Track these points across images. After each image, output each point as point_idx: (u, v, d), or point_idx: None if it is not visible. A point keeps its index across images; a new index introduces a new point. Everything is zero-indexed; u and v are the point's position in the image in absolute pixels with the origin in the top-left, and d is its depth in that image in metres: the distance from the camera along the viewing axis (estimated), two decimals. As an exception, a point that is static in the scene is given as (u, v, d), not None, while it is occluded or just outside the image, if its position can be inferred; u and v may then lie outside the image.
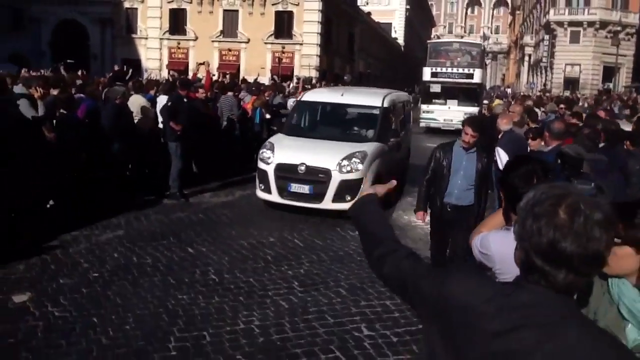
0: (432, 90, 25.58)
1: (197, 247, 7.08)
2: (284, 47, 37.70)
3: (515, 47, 78.80)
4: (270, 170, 8.78)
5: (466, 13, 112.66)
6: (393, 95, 10.95)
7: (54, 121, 8.21)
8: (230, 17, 38.90)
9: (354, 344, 4.74)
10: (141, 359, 4.26)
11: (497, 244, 2.53)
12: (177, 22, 39.69)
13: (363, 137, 9.59)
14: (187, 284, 5.84)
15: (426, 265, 1.82)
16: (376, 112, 9.85)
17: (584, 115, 10.22)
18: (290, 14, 38.14)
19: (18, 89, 8.07)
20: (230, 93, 12.44)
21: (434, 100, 25.33)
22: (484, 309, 1.49)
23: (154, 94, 11.66)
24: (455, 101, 24.80)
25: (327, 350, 4.58)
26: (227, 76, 21.40)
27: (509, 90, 58.01)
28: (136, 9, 40.47)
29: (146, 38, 40.33)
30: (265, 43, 38.19)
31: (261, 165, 8.99)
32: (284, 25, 38.45)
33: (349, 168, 8.53)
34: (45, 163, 7.74)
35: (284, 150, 9.00)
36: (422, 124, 25.12)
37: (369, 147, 8.98)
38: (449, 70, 25.73)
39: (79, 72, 16.32)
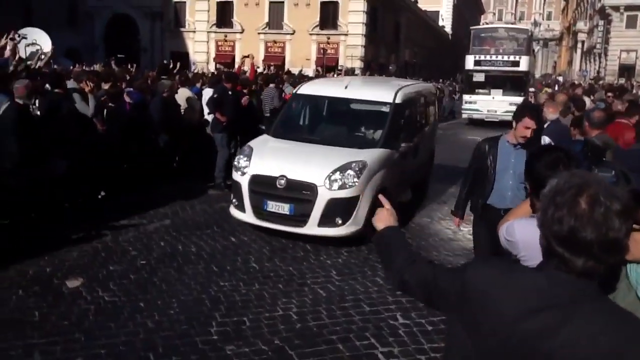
0: (475, 79, 24.64)
1: (239, 237, 7.30)
2: (329, 38, 37.81)
3: (568, 33, 76.33)
4: (244, 183, 7.09)
5: (517, 1, 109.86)
6: (410, 87, 9.04)
7: (104, 114, 8.58)
8: (276, 8, 39.22)
9: (388, 331, 4.85)
10: (184, 342, 4.48)
11: (521, 232, 2.59)
12: (224, 15, 40.30)
13: (367, 142, 7.76)
14: (229, 272, 6.06)
15: (447, 266, 1.90)
16: (385, 109, 7.93)
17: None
18: (335, 5, 38.15)
19: (70, 84, 8.44)
20: (272, 85, 12.64)
21: (477, 90, 24.42)
22: (503, 293, 1.55)
23: (200, 86, 11.99)
24: (500, 91, 23.76)
25: (362, 337, 4.71)
26: (272, 68, 21.62)
27: (560, 79, 56.40)
28: (184, 2, 41.28)
29: (194, 31, 41.12)
30: (310, 34, 38.36)
31: (235, 175, 7.35)
32: (329, 15, 38.50)
33: (340, 183, 6.76)
34: (96, 155, 8.13)
35: (263, 158, 7.25)
36: (464, 115, 24.76)
37: (371, 155, 7.19)
38: (494, 57, 24.68)
39: (129, 66, 16.88)
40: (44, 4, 43.81)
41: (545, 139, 7.17)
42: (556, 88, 27.81)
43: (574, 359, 1.41)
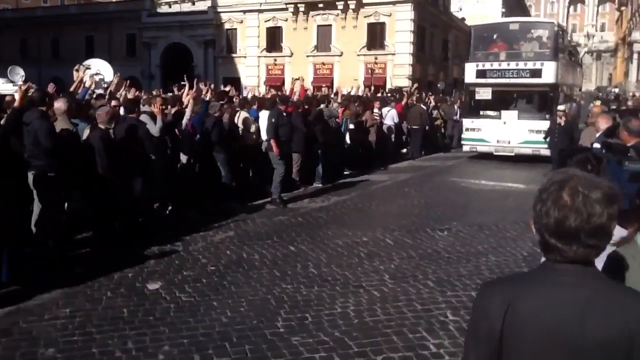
0: (478, 96, 17.76)
1: (297, 246, 7.87)
2: (376, 58, 38.41)
3: (623, 44, 74.51)
4: None
5: (568, 12, 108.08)
6: None
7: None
8: (324, 31, 40.20)
9: (439, 326, 5.28)
10: (255, 334, 5.04)
11: None
12: (273, 39, 41.58)
13: None
14: (290, 276, 6.62)
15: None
16: None
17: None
18: (382, 25, 38.81)
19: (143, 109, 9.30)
20: (322, 106, 13.32)
21: (481, 112, 17.71)
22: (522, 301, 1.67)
23: (256, 109, 12.75)
24: (515, 112, 17.18)
25: (415, 331, 5.15)
26: (323, 89, 22.31)
27: (616, 90, 55.02)
28: (236, 29, 42.83)
29: (245, 57, 42.54)
30: (358, 55, 39.07)
31: None
32: (376, 36, 39.18)
33: None
34: (165, 173, 8.90)
35: None
36: (465, 147, 18.11)
37: None
38: (504, 65, 17.41)
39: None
40: (105, 37, 46.38)
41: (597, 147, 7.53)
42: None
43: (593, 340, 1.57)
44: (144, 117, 8.98)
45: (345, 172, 14.13)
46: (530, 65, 17.08)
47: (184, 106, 10.26)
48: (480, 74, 17.77)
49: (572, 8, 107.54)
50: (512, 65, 17.32)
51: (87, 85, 10.06)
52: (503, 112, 17.33)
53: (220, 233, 8.43)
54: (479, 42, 18.55)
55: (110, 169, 7.45)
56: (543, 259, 1.77)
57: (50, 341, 4.84)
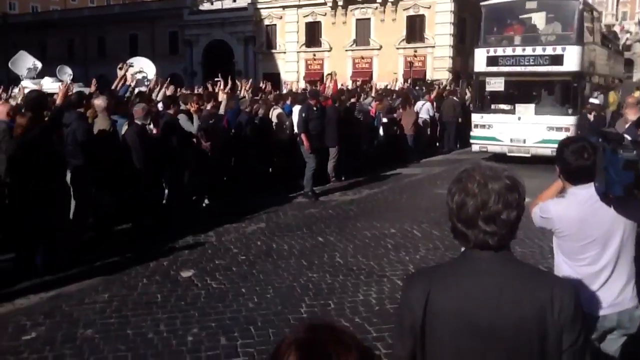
0: (489, 88, 15.34)
1: (326, 237, 8.10)
2: (415, 51, 38.18)
3: (675, 31, 71.61)
4: None
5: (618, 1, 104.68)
6: None
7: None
8: (363, 25, 40.18)
9: (457, 314, 5.41)
10: (279, 318, 5.30)
11: (555, 208, 3.13)
12: (312, 34, 41.80)
13: None
14: (317, 265, 6.86)
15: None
16: None
17: None
18: (421, 18, 38.52)
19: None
20: (353, 100, 13.49)
21: (493, 106, 15.43)
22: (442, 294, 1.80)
23: (290, 104, 13.01)
24: (532, 106, 14.77)
25: (433, 319, 5.31)
26: (355, 83, 22.37)
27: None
28: (275, 25, 43.23)
29: (284, 52, 42.91)
30: (397, 48, 38.92)
31: None
32: (415, 29, 38.92)
33: None
34: (201, 168, 9.25)
35: None
36: (474, 147, 15.77)
37: None
38: (519, 51, 14.84)
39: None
40: (148, 35, 47.55)
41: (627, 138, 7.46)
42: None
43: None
44: (181, 116, 9.34)
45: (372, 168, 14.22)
46: (550, 50, 14.40)
47: (218, 102, 10.61)
48: (492, 61, 15.12)
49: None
50: (529, 50, 14.66)
51: (128, 82, 10.47)
52: (517, 106, 14.80)
53: (252, 225, 8.73)
54: (490, 23, 16.04)
55: (144, 164, 7.82)
56: (462, 249, 1.90)
57: (88, 323, 5.21)
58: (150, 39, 47.69)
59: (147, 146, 8.04)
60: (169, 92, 12.03)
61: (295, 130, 11.32)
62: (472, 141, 15.80)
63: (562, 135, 12.23)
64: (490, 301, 1.73)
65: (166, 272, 6.61)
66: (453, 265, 1.91)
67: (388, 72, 36.26)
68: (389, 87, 20.71)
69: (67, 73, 19.74)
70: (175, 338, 4.93)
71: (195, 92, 15.41)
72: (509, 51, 15.00)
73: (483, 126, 15.31)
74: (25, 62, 20.07)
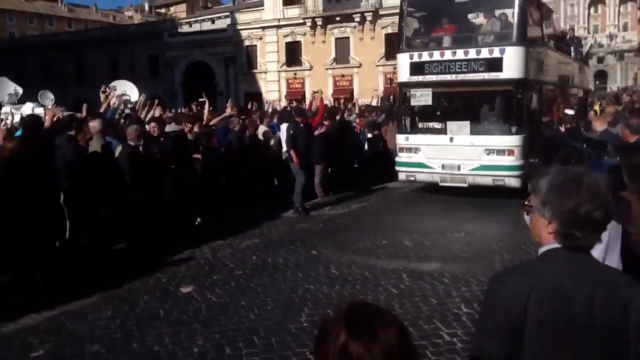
0: (415, 101, 12.38)
1: (319, 250, 8.28)
2: (395, 68, 38.74)
3: (645, 43, 73.56)
4: None
5: (589, 13, 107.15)
6: None
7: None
8: (342, 43, 40.72)
9: (453, 318, 5.62)
10: (281, 328, 5.45)
11: None
12: (292, 54, 42.25)
13: None
14: (313, 277, 7.03)
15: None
16: None
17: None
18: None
19: (171, 127, 9.83)
20: (337, 117, 13.81)
21: (420, 124, 12.54)
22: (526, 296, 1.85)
23: (277, 122, 13.27)
24: (467, 124, 11.75)
25: (430, 322, 5.51)
26: (342, 101, 22.76)
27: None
28: (255, 45, 43.63)
29: (265, 72, 43.27)
30: (377, 65, 39.43)
31: None
32: (393, 46, 39.47)
33: None
34: (194, 186, 9.40)
35: None
36: (400, 175, 12.66)
37: None
38: (448, 55, 11.90)
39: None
40: (127, 57, 47.64)
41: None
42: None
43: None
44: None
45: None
46: (485, 53, 11.42)
47: (204, 122, 10.81)
48: (416, 68, 12.10)
49: (592, 9, 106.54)
50: (461, 54, 11.64)
51: (114, 105, 10.62)
52: (449, 125, 11.79)
53: (246, 240, 8.88)
54: (414, 22, 13.22)
55: (136, 182, 7.98)
56: (542, 250, 1.95)
57: (94, 339, 5.31)
58: (130, 61, 47.74)
59: (140, 165, 8.18)
60: (157, 113, 12.19)
61: (284, 147, 11.55)
62: (397, 168, 12.56)
63: (505, 160, 11.03)
64: (586, 300, 1.81)
65: (166, 288, 6.73)
66: (548, 264, 1.91)
67: (369, 89, 36.74)
68: (371, 103, 21.08)
69: (49, 98, 19.74)
70: (181, 350, 5.06)
71: (179, 112, 15.64)
72: (436, 55, 11.96)
73: (409, 149, 12.28)
74: (6, 88, 20.10)
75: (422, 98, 12.16)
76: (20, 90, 20.05)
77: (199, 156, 9.46)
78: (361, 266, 7.44)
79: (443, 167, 11.79)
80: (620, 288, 1.84)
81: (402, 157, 12.45)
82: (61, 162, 7.49)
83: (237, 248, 8.44)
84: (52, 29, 77.31)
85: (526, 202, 2.06)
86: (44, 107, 16.70)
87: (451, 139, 11.68)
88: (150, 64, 47.94)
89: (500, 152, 11.18)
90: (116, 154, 8.36)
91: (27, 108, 18.68)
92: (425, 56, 12.11)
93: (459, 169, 11.62)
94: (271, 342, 5.15)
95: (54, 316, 5.89)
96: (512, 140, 11.19)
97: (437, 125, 12.20)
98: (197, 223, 9.84)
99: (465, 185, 11.62)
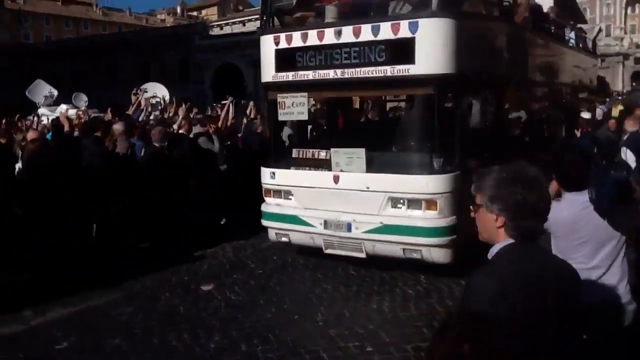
0: (283, 116, 7.57)
1: (339, 250, 8.33)
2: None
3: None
4: None
5: (626, 13, 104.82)
6: None
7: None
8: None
9: (467, 320, 5.63)
10: (297, 326, 5.56)
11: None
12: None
13: None
14: (331, 277, 7.12)
15: None
16: None
17: None
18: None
19: (196, 129, 10.02)
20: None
21: (294, 153, 7.74)
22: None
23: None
24: (361, 153, 6.77)
25: (444, 324, 5.53)
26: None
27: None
28: (284, 48, 43.93)
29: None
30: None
31: None
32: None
33: None
34: (218, 187, 9.57)
35: None
36: (270, 234, 7.76)
37: None
38: (330, 38, 6.81)
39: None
40: (159, 60, 48.50)
41: (627, 152, 7.71)
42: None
43: None
44: (201, 139, 9.66)
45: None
46: (387, 31, 6.49)
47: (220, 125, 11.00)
48: (285, 60, 7.34)
49: (629, 9, 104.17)
50: (349, 35, 6.73)
51: (142, 107, 10.88)
52: (334, 154, 7.01)
53: (268, 241, 8.96)
54: None
55: (159, 183, 8.17)
56: (495, 249, 2.09)
57: (116, 333, 5.49)
58: (161, 64, 48.60)
59: (164, 166, 8.37)
60: (180, 114, 12.36)
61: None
62: (263, 222, 7.78)
63: (421, 218, 6.45)
64: (548, 284, 2.00)
65: (187, 286, 6.90)
66: (507, 259, 2.05)
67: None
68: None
69: (82, 100, 20.37)
70: (198, 346, 5.20)
71: (207, 114, 15.88)
72: (313, 38, 7.03)
73: (277, 193, 7.61)
74: (42, 90, 20.73)
75: (294, 109, 7.35)
76: (55, 93, 20.68)
77: (225, 166, 9.60)
78: (380, 267, 7.46)
79: (326, 224, 7.00)
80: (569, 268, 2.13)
81: (268, 204, 7.71)
82: (87, 163, 7.74)
83: (259, 248, 8.57)
84: (87, 32, 79.09)
85: (471, 207, 2.19)
86: (77, 109, 17.25)
87: (336, 179, 6.91)
88: (180, 67, 48.74)
89: (415, 202, 6.53)
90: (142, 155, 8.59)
91: (62, 110, 19.23)
92: (297, 39, 7.15)
93: (348, 229, 6.86)
94: (287, 340, 5.26)
95: (78, 311, 6.11)
96: (434, 183, 6.41)
97: (317, 154, 7.39)
98: (222, 223, 10.00)
99: (363, 255, 6.92)
